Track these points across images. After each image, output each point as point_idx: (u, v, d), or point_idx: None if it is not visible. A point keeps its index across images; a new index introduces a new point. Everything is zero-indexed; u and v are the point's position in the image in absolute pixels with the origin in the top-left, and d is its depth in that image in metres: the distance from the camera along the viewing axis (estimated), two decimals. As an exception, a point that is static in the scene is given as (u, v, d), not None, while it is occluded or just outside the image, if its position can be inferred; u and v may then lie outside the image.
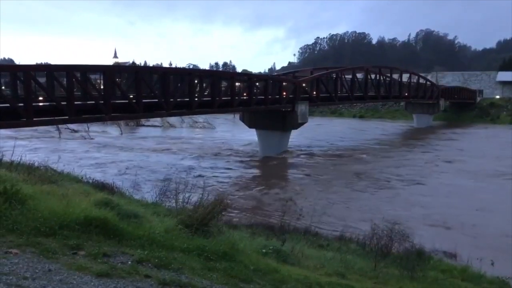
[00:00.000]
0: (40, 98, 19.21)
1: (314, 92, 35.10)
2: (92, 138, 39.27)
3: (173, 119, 51.32)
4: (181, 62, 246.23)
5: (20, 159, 10.95)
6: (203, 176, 24.12)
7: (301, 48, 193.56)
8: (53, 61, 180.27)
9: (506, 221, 16.27)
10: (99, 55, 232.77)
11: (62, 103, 17.97)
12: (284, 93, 31.42)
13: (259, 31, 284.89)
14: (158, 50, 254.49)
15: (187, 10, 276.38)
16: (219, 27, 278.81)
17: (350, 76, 39.35)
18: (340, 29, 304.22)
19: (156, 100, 22.27)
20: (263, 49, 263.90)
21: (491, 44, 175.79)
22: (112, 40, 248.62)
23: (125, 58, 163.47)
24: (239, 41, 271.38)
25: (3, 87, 21.90)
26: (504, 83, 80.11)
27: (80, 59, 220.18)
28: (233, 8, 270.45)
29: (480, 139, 45.34)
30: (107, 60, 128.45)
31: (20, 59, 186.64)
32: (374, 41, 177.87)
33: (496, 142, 42.84)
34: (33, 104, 17.29)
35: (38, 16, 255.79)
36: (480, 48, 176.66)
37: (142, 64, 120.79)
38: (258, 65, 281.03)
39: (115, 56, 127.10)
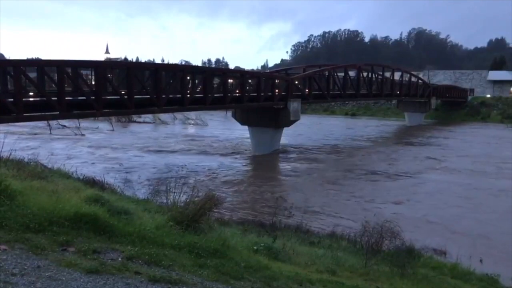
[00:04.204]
0: (31, 94, 19.03)
1: (307, 90, 35.15)
2: (83, 134, 39.00)
3: (165, 116, 51.10)
4: (179, 57, 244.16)
5: (10, 154, 10.86)
6: (194, 173, 24.10)
7: (293, 46, 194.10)
8: (46, 56, 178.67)
9: (494, 217, 16.47)
10: (94, 49, 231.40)
11: (53, 98, 17.84)
12: (277, 91, 31.42)
13: (266, 25, 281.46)
14: (158, 44, 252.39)
15: (193, 2, 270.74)
16: (225, 20, 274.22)
17: (342, 74, 39.45)
18: (350, 25, 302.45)
19: (148, 96, 22.18)
20: (267, 44, 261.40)
21: (482, 43, 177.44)
22: (110, 34, 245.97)
23: (119, 53, 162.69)
24: (243, 36, 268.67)
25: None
26: (495, 82, 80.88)
27: (75, 54, 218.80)
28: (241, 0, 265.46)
29: (474, 138, 45.68)
30: (100, 56, 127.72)
31: (11, 54, 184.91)
32: (366, 39, 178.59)
33: (486, 140, 43.25)
34: (23, 99, 17.15)
35: (32, 9, 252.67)
36: (471, 47, 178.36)
37: (134, 60, 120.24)
38: (253, 62, 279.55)
39: (107, 52, 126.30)
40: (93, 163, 25.46)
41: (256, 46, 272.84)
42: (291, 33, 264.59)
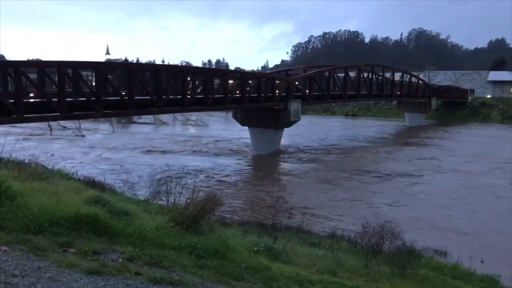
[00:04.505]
0: (31, 95, 19.05)
1: (307, 90, 35.17)
2: (83, 135, 39.01)
3: (165, 117, 51.05)
4: (179, 58, 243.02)
5: (10, 155, 10.86)
6: (194, 174, 24.10)
7: (294, 46, 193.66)
8: (45, 57, 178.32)
9: (493, 217, 16.46)
10: (95, 50, 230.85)
11: (53, 99, 17.86)
12: (277, 91, 31.43)
13: (267, 25, 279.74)
14: (158, 45, 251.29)
15: (194, 3, 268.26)
16: (226, 20, 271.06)
17: (342, 75, 39.48)
18: (350, 25, 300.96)
19: (149, 97, 22.19)
20: (268, 44, 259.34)
21: (482, 43, 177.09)
22: (110, 35, 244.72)
23: (120, 54, 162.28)
24: (244, 36, 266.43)
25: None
26: (495, 83, 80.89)
27: (75, 54, 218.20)
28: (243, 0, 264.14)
29: (474, 138, 45.65)
30: (101, 56, 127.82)
31: (11, 55, 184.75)
32: (367, 40, 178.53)
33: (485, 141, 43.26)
34: (24, 100, 17.16)
35: (32, 10, 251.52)
36: (472, 47, 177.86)
37: (135, 61, 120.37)
38: (254, 62, 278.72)
39: (107, 53, 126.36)
40: (93, 163, 25.48)
41: (256, 46, 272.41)
42: (292, 33, 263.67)
